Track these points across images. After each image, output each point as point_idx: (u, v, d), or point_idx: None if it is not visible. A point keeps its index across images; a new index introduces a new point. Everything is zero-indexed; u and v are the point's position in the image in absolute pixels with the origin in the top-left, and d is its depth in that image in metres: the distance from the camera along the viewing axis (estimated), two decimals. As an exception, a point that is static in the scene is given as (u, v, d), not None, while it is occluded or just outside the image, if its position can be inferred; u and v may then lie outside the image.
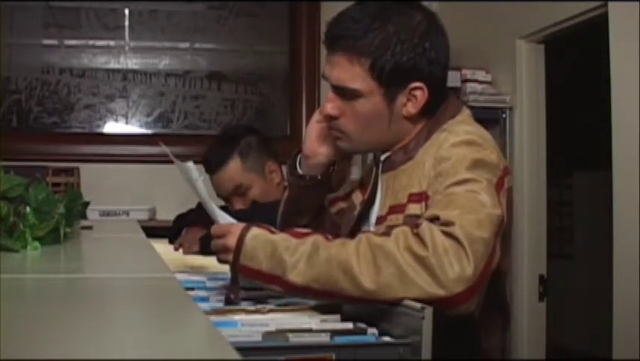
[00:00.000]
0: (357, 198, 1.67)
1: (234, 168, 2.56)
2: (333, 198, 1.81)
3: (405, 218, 1.46)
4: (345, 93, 1.51)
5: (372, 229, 1.58)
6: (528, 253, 3.26)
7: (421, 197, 1.45)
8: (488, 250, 1.27)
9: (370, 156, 1.70)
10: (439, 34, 1.52)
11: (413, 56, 1.47)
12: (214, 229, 1.41)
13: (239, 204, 2.57)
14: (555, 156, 3.51)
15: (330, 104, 1.53)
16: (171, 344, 0.75)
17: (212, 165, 2.57)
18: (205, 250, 2.51)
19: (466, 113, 1.57)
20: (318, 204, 1.75)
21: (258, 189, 2.56)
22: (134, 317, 0.94)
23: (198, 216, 2.38)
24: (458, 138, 1.45)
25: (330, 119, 1.56)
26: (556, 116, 3.52)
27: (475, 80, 3.42)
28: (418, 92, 1.50)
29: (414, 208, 1.45)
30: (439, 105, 1.54)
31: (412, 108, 1.51)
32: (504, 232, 1.39)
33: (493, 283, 1.35)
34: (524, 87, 3.29)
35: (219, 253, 1.39)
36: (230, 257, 1.34)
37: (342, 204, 1.76)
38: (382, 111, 1.51)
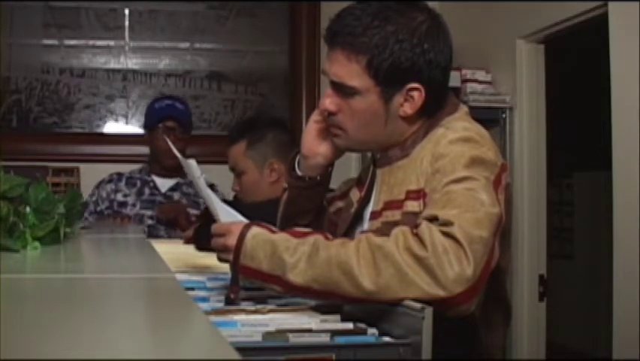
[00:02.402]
0: (355, 195, 1.67)
1: (237, 150, 2.65)
2: (331, 198, 1.81)
3: (403, 215, 1.46)
4: (342, 90, 1.51)
5: (366, 224, 1.58)
6: (528, 253, 3.26)
7: (419, 194, 1.45)
8: (487, 249, 1.27)
9: (369, 154, 1.70)
10: (440, 35, 1.51)
11: (411, 56, 1.47)
12: (215, 228, 1.41)
13: (235, 184, 2.69)
14: (555, 156, 3.51)
15: (328, 100, 1.54)
16: (171, 344, 0.75)
17: (229, 137, 2.72)
18: (199, 243, 2.54)
19: (463, 110, 1.56)
20: (318, 205, 1.75)
21: (248, 178, 2.65)
22: (134, 317, 0.94)
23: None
24: (456, 134, 1.45)
25: (328, 114, 1.56)
26: (556, 116, 3.52)
27: (475, 80, 3.42)
28: (415, 93, 1.49)
29: (412, 205, 1.45)
30: (439, 107, 1.54)
31: (408, 109, 1.51)
32: (503, 229, 1.38)
33: (493, 281, 1.34)
34: (524, 87, 3.29)
35: (220, 252, 1.39)
36: (230, 257, 1.34)
37: (340, 203, 1.76)
38: (379, 110, 1.51)
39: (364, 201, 1.61)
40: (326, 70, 1.54)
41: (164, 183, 3.35)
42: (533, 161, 3.30)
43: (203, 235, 2.63)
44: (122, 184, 3.31)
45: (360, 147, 1.66)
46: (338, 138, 1.58)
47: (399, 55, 1.46)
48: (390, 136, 1.54)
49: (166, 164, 3.30)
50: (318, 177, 1.68)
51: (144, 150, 3.56)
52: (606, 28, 2.66)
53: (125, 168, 3.43)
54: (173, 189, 3.34)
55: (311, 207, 1.73)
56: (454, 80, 3.37)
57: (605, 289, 2.89)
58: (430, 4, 1.58)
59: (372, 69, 1.47)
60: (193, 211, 3.30)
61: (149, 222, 3.21)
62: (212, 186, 3.38)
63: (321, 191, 1.73)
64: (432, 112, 1.53)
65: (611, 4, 2.65)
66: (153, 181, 3.34)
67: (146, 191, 3.32)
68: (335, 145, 1.62)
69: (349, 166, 3.72)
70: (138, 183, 3.33)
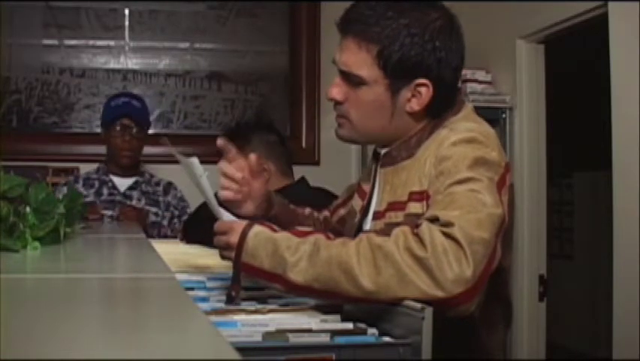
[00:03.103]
0: (357, 204, 1.66)
1: None
2: (335, 207, 1.81)
3: (405, 217, 1.45)
4: (350, 79, 1.51)
5: (369, 224, 1.57)
6: (528, 253, 3.26)
7: (422, 196, 1.44)
8: (488, 251, 1.26)
9: (369, 154, 1.69)
10: (453, 36, 1.51)
11: (421, 51, 1.47)
12: (217, 226, 1.41)
13: None
14: (555, 156, 3.51)
15: (336, 89, 1.54)
16: (171, 344, 0.75)
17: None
18: (187, 236, 2.55)
19: (468, 108, 1.55)
20: (293, 220, 1.74)
21: None
22: (134, 317, 0.94)
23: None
24: (459, 135, 1.44)
25: (334, 104, 1.56)
26: (557, 116, 3.52)
27: (475, 80, 3.43)
28: (423, 90, 1.49)
29: (415, 207, 1.45)
30: (447, 107, 1.53)
31: (415, 105, 1.50)
32: (506, 229, 1.38)
33: (494, 280, 1.34)
34: (524, 87, 3.29)
35: (222, 250, 1.39)
36: (232, 254, 1.35)
37: (342, 211, 1.76)
38: (385, 103, 1.50)
39: (367, 207, 1.61)
40: (336, 59, 1.54)
41: (122, 183, 3.34)
42: (533, 161, 3.30)
43: (192, 229, 2.64)
44: (79, 186, 3.30)
45: (363, 139, 1.63)
46: (342, 128, 1.58)
47: (409, 48, 1.46)
48: (396, 132, 1.54)
49: (123, 162, 3.30)
50: (260, 217, 1.64)
51: (144, 149, 3.55)
52: (606, 28, 2.66)
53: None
54: (132, 188, 3.33)
55: (288, 223, 1.70)
56: (454, 80, 3.37)
57: (605, 289, 2.89)
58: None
59: (382, 60, 1.47)
60: (152, 209, 3.29)
61: (109, 222, 3.20)
62: (169, 185, 3.39)
63: (285, 214, 1.72)
64: (439, 112, 1.53)
65: (611, 4, 2.65)
66: (111, 181, 3.33)
67: (105, 191, 3.30)
68: (341, 135, 1.60)
69: (349, 166, 3.73)
70: (96, 184, 3.31)
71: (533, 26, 3.19)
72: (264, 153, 2.66)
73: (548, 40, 3.27)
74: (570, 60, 4.32)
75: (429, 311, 1.13)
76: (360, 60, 1.49)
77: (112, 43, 4.09)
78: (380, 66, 1.48)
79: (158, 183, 3.39)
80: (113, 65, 4.09)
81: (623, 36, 2.59)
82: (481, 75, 3.45)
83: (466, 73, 3.42)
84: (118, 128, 3.28)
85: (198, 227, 2.63)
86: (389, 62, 1.47)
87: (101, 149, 3.47)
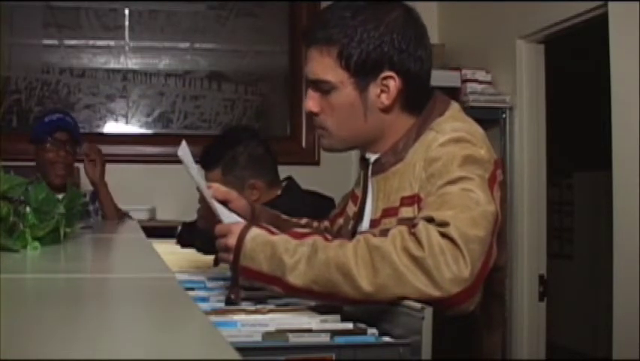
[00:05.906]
0: (351, 210, 1.66)
1: (214, 177, 2.61)
2: (334, 216, 1.81)
3: (399, 221, 1.45)
4: (319, 87, 1.53)
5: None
6: (528, 253, 3.26)
7: (413, 200, 1.44)
8: (485, 248, 1.26)
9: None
10: (411, 26, 1.51)
11: (379, 44, 1.48)
12: (218, 229, 1.41)
13: None
14: (555, 156, 3.51)
15: (311, 101, 1.56)
16: (171, 344, 0.75)
17: (202, 163, 2.68)
18: (180, 239, 2.53)
19: (454, 108, 1.55)
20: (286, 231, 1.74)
21: None
22: (133, 317, 0.94)
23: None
24: (446, 136, 1.44)
25: (313, 116, 1.57)
26: (557, 116, 3.52)
27: (475, 80, 3.43)
28: (390, 82, 1.49)
29: (407, 211, 1.45)
30: (423, 102, 1.53)
31: (385, 99, 1.51)
32: (500, 226, 1.38)
33: (491, 279, 1.34)
34: (524, 87, 3.30)
35: (221, 253, 1.39)
36: (230, 257, 1.34)
37: (341, 221, 1.76)
38: (356, 102, 1.51)
39: (360, 212, 1.61)
40: (305, 72, 1.56)
41: None
42: (533, 161, 3.30)
43: (185, 232, 2.63)
44: None
45: (344, 145, 1.61)
46: (323, 138, 1.60)
47: (367, 43, 1.47)
48: (374, 131, 1.54)
49: (55, 182, 3.14)
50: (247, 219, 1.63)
51: (144, 149, 3.56)
52: (606, 28, 2.66)
53: (125, 168, 3.42)
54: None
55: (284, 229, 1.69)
56: (454, 80, 3.38)
57: (605, 289, 2.89)
58: (430, 4, 1.58)
59: (343, 59, 1.49)
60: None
61: None
62: (126, 214, 3.34)
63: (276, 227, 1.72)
64: (415, 107, 1.52)
65: (611, 4, 2.65)
66: None
67: None
68: (322, 145, 1.62)
69: (349, 166, 3.73)
70: None
71: (533, 26, 3.19)
72: (252, 170, 2.63)
73: (548, 40, 3.27)
74: (570, 60, 4.32)
75: (429, 311, 1.13)
76: (324, 65, 1.51)
77: (112, 43, 4.10)
78: (343, 66, 1.49)
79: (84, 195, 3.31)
80: (113, 65, 4.09)
81: (623, 36, 2.59)
82: (481, 75, 3.45)
83: (466, 73, 3.42)
84: (52, 142, 3.17)
85: (190, 232, 2.62)
86: (350, 60, 1.48)
87: (101, 149, 3.46)
